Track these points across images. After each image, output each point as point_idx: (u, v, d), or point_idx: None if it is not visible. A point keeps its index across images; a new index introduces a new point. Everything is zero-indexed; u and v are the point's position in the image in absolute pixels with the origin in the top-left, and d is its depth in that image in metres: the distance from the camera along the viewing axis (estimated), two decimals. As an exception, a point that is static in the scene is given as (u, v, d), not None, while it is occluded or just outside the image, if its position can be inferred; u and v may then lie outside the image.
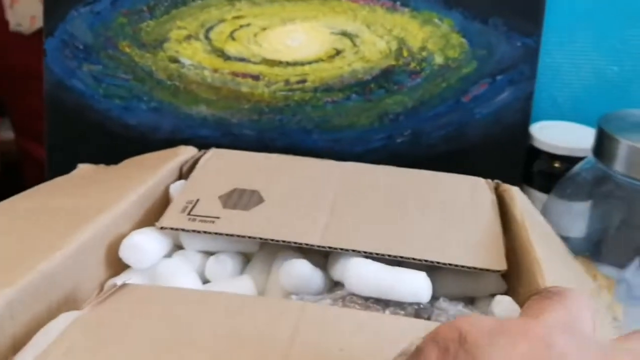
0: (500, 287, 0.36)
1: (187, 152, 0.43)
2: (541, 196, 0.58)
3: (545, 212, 0.53)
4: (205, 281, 0.36)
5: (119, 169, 0.43)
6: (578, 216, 0.53)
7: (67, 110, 0.56)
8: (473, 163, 0.57)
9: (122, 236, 0.35)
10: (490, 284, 0.35)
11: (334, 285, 0.36)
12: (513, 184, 0.59)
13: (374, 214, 0.37)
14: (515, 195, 0.41)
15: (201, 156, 0.43)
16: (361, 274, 0.31)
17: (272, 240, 0.35)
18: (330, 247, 0.34)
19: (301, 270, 0.34)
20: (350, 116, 0.56)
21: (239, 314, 0.27)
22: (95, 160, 0.49)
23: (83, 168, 0.45)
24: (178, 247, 0.38)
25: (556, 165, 0.58)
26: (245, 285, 0.35)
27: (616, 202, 0.50)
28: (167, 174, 0.40)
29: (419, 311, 0.31)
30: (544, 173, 0.58)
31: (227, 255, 0.37)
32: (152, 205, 0.39)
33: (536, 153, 0.58)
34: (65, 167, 0.54)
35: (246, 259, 0.38)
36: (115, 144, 0.56)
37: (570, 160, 0.57)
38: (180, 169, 0.42)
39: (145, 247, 0.34)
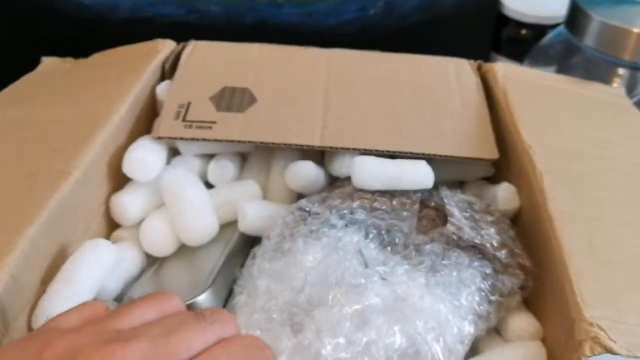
0: (489, 171, 0.38)
1: (166, 47, 0.41)
2: (509, 63, 0.59)
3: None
4: (208, 185, 0.37)
5: (95, 68, 0.40)
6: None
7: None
8: (445, 33, 0.56)
9: (121, 149, 0.34)
10: (480, 169, 0.38)
11: (332, 179, 0.37)
12: (483, 51, 0.60)
13: (368, 107, 0.38)
14: (498, 74, 0.41)
15: (181, 51, 0.41)
16: (368, 171, 0.32)
17: (274, 144, 0.35)
18: (331, 148, 0.35)
19: (307, 171, 0.35)
20: (321, -12, 0.53)
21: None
22: (51, 45, 0.46)
23: (50, 63, 0.42)
24: (173, 150, 0.37)
25: (524, 33, 0.59)
26: (251, 189, 0.35)
27: (584, 75, 0.52)
28: (151, 74, 0.38)
29: (424, 200, 0.33)
30: (512, 40, 0.59)
31: (227, 159, 0.37)
32: (142, 111, 0.37)
33: (505, 21, 0.58)
34: (17, 51, 0.50)
35: (244, 159, 0.39)
36: (70, 26, 0.51)
37: (538, 28, 0.57)
38: (163, 68, 0.40)
39: (148, 160, 0.34)
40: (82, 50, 0.44)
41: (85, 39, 0.51)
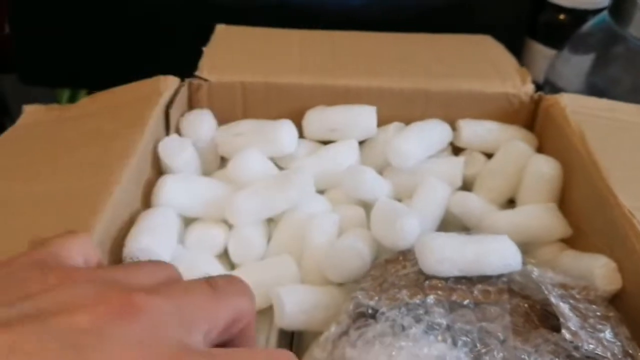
0: (566, 231, 0.32)
1: (168, 86, 0.33)
2: (545, 50, 0.53)
3: (553, 66, 0.48)
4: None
5: (85, 118, 0.32)
6: (582, 71, 0.49)
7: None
8: (477, 15, 0.50)
9: (124, 229, 0.28)
10: (556, 229, 0.32)
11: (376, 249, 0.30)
12: (517, 37, 0.53)
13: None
14: (566, 110, 0.35)
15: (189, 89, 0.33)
16: (441, 256, 0.26)
17: None
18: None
19: (355, 262, 0.29)
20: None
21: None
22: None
23: (31, 113, 0.34)
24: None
25: (562, 17, 0.52)
26: (286, 268, 0.29)
27: (626, 67, 0.46)
28: (153, 127, 0.31)
29: (510, 284, 0.26)
30: (549, 26, 0.53)
31: (250, 229, 0.30)
32: (144, 172, 0.31)
33: (542, 4, 0.52)
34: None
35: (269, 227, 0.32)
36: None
37: (578, 13, 0.51)
38: (166, 113, 0.33)
39: (154, 251, 0.27)
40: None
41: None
